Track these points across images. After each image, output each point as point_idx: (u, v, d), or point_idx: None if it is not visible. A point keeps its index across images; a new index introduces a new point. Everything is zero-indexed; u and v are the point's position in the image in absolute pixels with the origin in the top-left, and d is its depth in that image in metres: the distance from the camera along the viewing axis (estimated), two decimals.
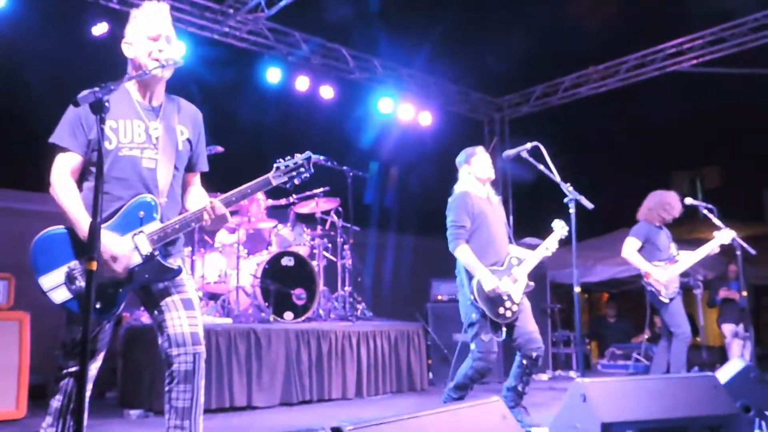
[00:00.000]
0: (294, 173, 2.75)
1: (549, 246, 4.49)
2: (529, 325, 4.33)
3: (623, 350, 9.27)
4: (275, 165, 2.76)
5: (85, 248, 2.29)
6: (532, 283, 4.42)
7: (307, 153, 2.78)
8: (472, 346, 4.28)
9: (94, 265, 2.11)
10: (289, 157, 2.78)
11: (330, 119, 9.12)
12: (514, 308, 4.28)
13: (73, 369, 2.57)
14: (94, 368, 2.67)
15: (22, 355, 4.89)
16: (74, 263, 2.53)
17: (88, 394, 2.60)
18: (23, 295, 4.96)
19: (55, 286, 2.51)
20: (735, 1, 8.06)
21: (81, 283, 2.49)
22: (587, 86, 10.07)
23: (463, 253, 4.31)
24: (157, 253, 2.59)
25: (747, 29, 8.45)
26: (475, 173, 4.56)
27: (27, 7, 6.67)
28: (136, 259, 2.57)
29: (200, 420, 2.64)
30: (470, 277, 4.30)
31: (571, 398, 3.12)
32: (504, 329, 4.31)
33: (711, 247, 5.68)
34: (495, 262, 4.35)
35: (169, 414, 2.59)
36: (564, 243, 4.58)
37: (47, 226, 2.60)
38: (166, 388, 2.60)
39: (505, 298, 4.26)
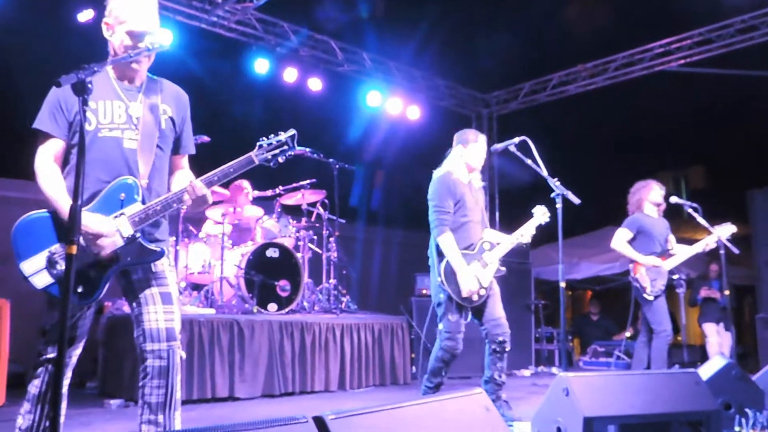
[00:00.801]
0: (277, 151, 2.70)
1: (524, 232, 4.49)
2: (496, 311, 4.34)
3: (605, 348, 9.33)
4: (258, 143, 2.71)
5: (66, 231, 2.25)
6: (503, 269, 4.41)
7: (291, 130, 2.73)
8: (440, 326, 4.31)
9: (74, 249, 2.07)
10: (272, 135, 2.73)
11: (318, 112, 9.08)
12: (482, 292, 4.28)
13: (52, 355, 2.52)
14: (74, 355, 2.64)
15: (2, 343, 4.84)
16: (55, 247, 2.49)
17: (67, 381, 2.57)
18: (3, 282, 4.89)
19: (37, 270, 2.47)
20: (723, 2, 8.10)
21: (62, 266, 2.45)
22: (575, 84, 10.10)
23: (446, 242, 4.30)
24: (138, 235, 2.55)
25: (734, 30, 8.51)
26: (468, 159, 4.54)
27: None
28: (118, 242, 2.52)
29: (176, 415, 2.59)
30: (440, 258, 4.31)
31: (553, 392, 3.12)
32: (470, 312, 4.33)
33: (707, 243, 5.67)
34: (468, 246, 4.35)
35: (142, 409, 2.56)
36: (549, 239, 4.59)
37: (28, 212, 2.55)
38: (140, 383, 2.57)
39: None
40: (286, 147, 2.71)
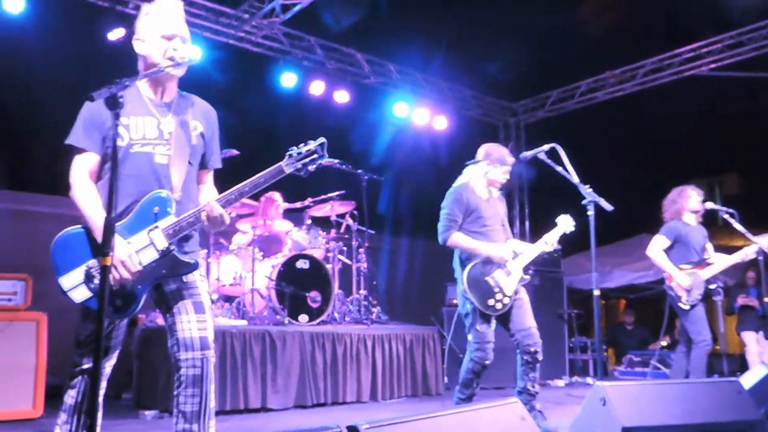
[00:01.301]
0: (307, 160, 2.68)
1: (548, 240, 4.43)
2: (526, 321, 4.29)
3: (641, 357, 9.15)
4: (288, 153, 2.69)
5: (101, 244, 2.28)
6: (527, 277, 4.38)
7: (321, 139, 2.71)
8: (469, 337, 4.29)
9: (108, 261, 2.10)
10: (302, 144, 2.71)
11: (345, 123, 9.11)
12: (506, 300, 4.24)
13: (87, 366, 2.56)
14: (108, 366, 2.66)
15: (39, 355, 4.92)
16: (93, 262, 2.52)
17: (102, 392, 2.59)
18: (41, 296, 4.99)
19: (75, 285, 2.50)
20: (754, 5, 7.96)
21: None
22: (604, 91, 9.99)
23: (457, 239, 4.31)
24: (173, 248, 2.57)
25: (767, 33, 8.35)
26: (490, 176, 4.53)
27: (43, 12, 6.73)
28: (153, 255, 2.55)
29: (211, 424, 2.60)
30: (462, 268, 4.31)
31: (590, 402, 3.07)
32: (494, 320, 4.29)
33: (746, 253, 5.51)
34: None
35: (177, 418, 2.57)
36: (581, 247, 4.53)
37: (63, 228, 2.59)
38: (175, 392, 2.58)
39: (496, 290, 4.23)
40: (316, 155, 2.69)
